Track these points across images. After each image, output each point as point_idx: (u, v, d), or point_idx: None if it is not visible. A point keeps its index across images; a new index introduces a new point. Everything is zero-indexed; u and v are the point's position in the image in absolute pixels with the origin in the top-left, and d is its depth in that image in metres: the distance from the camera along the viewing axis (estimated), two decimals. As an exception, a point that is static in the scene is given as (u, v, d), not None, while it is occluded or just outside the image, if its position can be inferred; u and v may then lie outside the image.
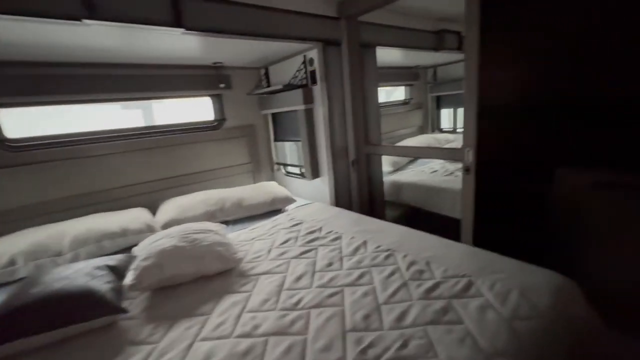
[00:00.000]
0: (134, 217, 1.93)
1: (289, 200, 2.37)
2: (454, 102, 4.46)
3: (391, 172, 3.15)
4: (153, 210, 2.20)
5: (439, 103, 4.65)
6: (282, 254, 1.58)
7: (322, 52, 2.19)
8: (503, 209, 2.16)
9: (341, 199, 2.48)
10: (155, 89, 2.31)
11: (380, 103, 4.28)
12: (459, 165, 2.51)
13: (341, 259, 1.48)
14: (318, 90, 2.31)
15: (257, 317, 1.10)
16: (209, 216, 2.07)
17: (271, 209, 2.31)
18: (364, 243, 1.60)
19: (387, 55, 3.17)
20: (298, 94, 2.35)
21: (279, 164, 2.99)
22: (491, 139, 2.21)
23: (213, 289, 1.31)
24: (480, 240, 1.82)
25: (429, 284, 1.19)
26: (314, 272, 1.38)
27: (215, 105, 2.67)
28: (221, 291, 1.29)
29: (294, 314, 1.10)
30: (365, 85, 2.40)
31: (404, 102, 4.48)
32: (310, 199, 2.63)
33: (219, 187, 2.57)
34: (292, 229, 1.89)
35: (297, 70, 2.38)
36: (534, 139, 2.11)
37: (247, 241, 1.78)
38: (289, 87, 2.35)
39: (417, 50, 2.85)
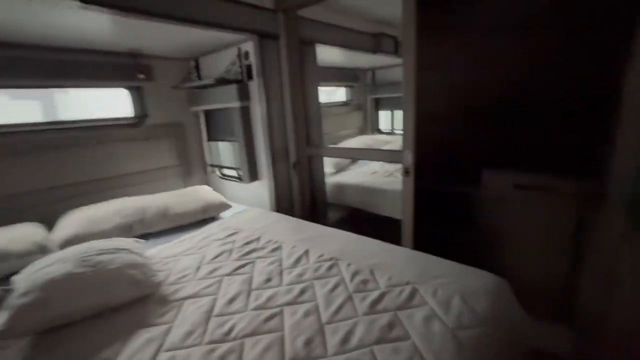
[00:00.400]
0: (19, 234, 1.53)
1: (223, 207, 2.15)
2: (391, 105, 4.63)
3: (333, 173, 3.10)
4: (51, 225, 1.78)
5: (378, 105, 4.79)
6: (214, 271, 1.38)
7: (259, 45, 2.02)
8: (440, 209, 2.25)
9: (282, 204, 2.34)
10: (56, 76, 1.89)
11: (322, 103, 4.26)
12: (398, 166, 2.57)
13: (281, 273, 1.34)
14: (255, 86, 2.13)
15: (177, 357, 0.91)
16: (125, 230, 1.76)
17: (203, 217, 2.06)
18: (306, 252, 1.49)
19: (327, 55, 3.11)
20: (232, 89, 2.15)
21: (213, 166, 2.73)
22: (428, 142, 2.28)
23: (122, 323, 1.06)
24: (420, 240, 1.85)
25: (374, 295, 1.12)
26: (249, 291, 1.22)
27: (134, 100, 2.30)
28: (132, 326, 1.05)
29: (224, 348, 0.93)
30: (306, 84, 2.29)
31: (345, 103, 4.51)
32: (248, 204, 2.43)
33: (140, 194, 2.22)
34: (226, 240, 1.69)
35: (231, 64, 2.17)
36: (464, 141, 2.24)
37: (172, 258, 1.54)
38: (221, 81, 2.13)
39: (356, 52, 2.84)
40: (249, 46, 2.07)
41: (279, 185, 2.30)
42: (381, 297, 1.11)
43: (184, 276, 1.35)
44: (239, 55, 2.13)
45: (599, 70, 1.65)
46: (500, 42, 1.93)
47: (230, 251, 1.56)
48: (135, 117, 2.30)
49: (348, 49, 2.69)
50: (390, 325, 0.98)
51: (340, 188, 2.79)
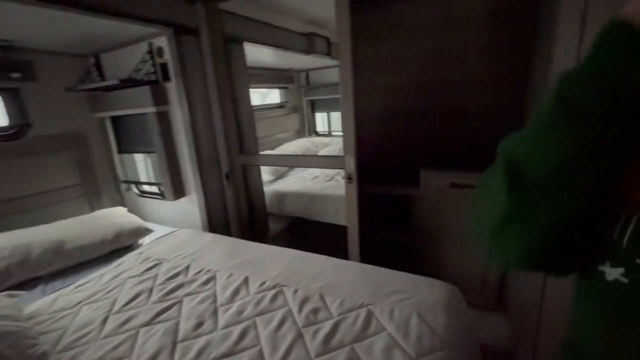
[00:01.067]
0: None
1: (142, 232, 1.80)
2: (327, 106, 4.60)
3: (272, 181, 2.91)
4: None
5: (314, 107, 4.73)
6: (126, 321, 1.09)
7: (175, 40, 1.73)
8: (385, 212, 2.24)
9: (215, 221, 2.07)
10: None
11: (255, 106, 4.02)
12: (339, 169, 2.50)
13: (215, 312, 1.12)
14: (173, 88, 1.83)
15: None
16: (1, 277, 1.33)
17: (115, 247, 1.69)
18: (245, 281, 1.29)
19: (258, 54, 2.91)
20: (145, 92, 1.81)
21: (128, 182, 2.31)
22: (370, 145, 2.26)
23: None
24: (367, 246, 1.79)
25: (327, 327, 0.98)
26: (174, 345, 0.97)
27: (9, 105, 1.80)
28: None
29: None
30: (235, 86, 2.06)
31: (280, 106, 4.34)
32: (175, 225, 2.10)
33: (29, 225, 1.73)
34: (145, 275, 1.39)
35: (141, 62, 1.83)
36: (404, 142, 2.26)
37: (68, 310, 1.19)
38: (130, 82, 1.78)
39: (288, 52, 2.70)
40: (163, 41, 1.76)
41: (211, 200, 2.03)
42: (335, 328, 0.98)
43: (83, 335, 1.04)
44: (150, 52, 1.81)
45: (518, 69, 1.78)
46: (429, 41, 1.97)
47: (150, 290, 1.27)
48: (11, 127, 1.80)
49: (279, 49, 2.53)
50: (349, 365, 0.85)
51: (281, 197, 2.62)
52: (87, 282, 1.37)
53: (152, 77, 1.85)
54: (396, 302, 1.07)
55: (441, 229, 1.82)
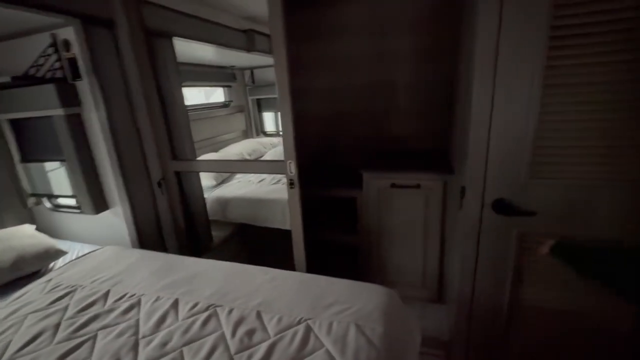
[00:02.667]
0: None
1: (52, 255, 1.55)
2: (274, 106, 4.48)
3: (214, 186, 2.74)
4: None
5: (260, 106, 4.57)
6: (20, 370, 0.91)
7: (84, 33, 1.50)
8: (331, 215, 2.22)
9: (147, 235, 1.87)
10: None
11: (198, 105, 3.75)
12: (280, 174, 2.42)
13: (136, 347, 0.98)
14: (86, 87, 1.60)
15: None
16: None
17: (14, 276, 1.43)
18: (175, 305, 1.16)
19: (194, 50, 2.71)
20: (50, 92, 1.56)
21: (37, 195, 1.99)
22: (311, 148, 2.22)
23: None
24: (313, 251, 1.76)
25: (262, 350, 0.92)
26: (80, 394, 0.83)
27: None
28: None
29: None
30: (164, 85, 1.87)
31: (224, 105, 4.12)
32: (99, 242, 1.86)
33: None
34: (51, 308, 1.18)
35: (42, 56, 1.57)
36: (345, 146, 2.27)
37: (-59, 363, 0.96)
38: (27, 80, 1.50)
39: (225, 49, 2.54)
40: (69, 33, 1.52)
41: (140, 212, 1.82)
42: (271, 350, 0.92)
43: (-43, 396, 0.84)
44: (54, 45, 1.55)
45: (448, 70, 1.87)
46: (365, 43, 1.99)
47: (57, 326, 1.08)
48: None
49: (215, 45, 2.36)
50: (283, 391, 0.79)
51: (224, 203, 2.47)
52: (-28, 324, 1.13)
53: (58, 74, 1.59)
54: (335, 314, 1.04)
55: (384, 229, 1.86)
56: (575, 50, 0.93)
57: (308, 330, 0.98)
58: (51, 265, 1.59)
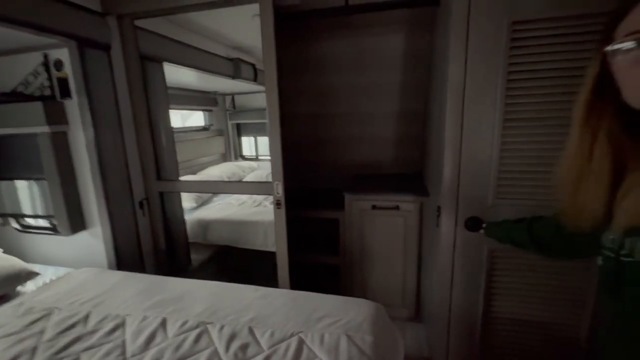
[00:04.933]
0: None
1: (22, 277, 1.47)
2: (254, 130, 4.58)
3: (194, 208, 2.72)
4: None
5: (240, 130, 4.65)
6: (-4, 396, 0.86)
7: (78, 54, 1.54)
8: (314, 237, 2.28)
9: (126, 257, 1.82)
10: None
11: (177, 128, 3.76)
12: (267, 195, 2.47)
13: (124, 366, 0.96)
14: (74, 107, 1.61)
15: None
16: None
17: (-19, 300, 1.34)
18: (163, 324, 1.15)
19: (178, 75, 2.78)
20: (37, 109, 1.55)
21: (4, 215, 1.88)
22: (296, 169, 2.31)
23: None
24: (297, 272, 1.79)
25: (256, 363, 0.94)
26: (68, 415, 0.80)
27: None
28: None
29: None
30: (153, 107, 1.91)
31: (204, 128, 4.15)
32: (72, 265, 1.78)
33: None
34: (26, 332, 1.12)
35: (32, 74, 1.57)
36: (326, 170, 2.38)
37: None
38: (14, 96, 1.50)
39: (213, 75, 2.65)
40: (63, 54, 1.55)
41: (120, 232, 1.78)
42: (265, 363, 0.94)
43: None
44: (45, 64, 1.57)
45: (422, 105, 2.08)
46: (345, 76, 2.18)
47: (34, 350, 1.03)
48: None
49: (204, 72, 2.46)
50: (280, 401, 0.82)
51: (205, 225, 2.45)
52: None
53: (47, 92, 1.59)
54: (326, 326, 1.09)
55: (365, 249, 1.94)
56: (527, 91, 1.12)
57: (301, 342, 1.02)
58: (19, 289, 1.50)
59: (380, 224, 1.88)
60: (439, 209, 1.37)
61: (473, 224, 1.22)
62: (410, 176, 2.15)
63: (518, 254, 1.24)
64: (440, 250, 1.35)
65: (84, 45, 1.55)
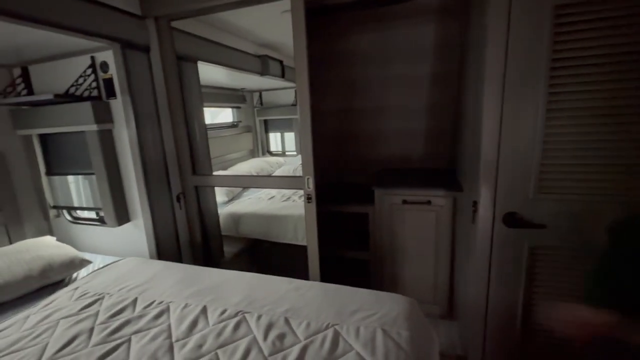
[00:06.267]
0: None
1: (77, 264, 1.60)
2: (280, 126, 4.64)
3: (226, 202, 2.81)
4: None
5: (267, 127, 4.73)
6: (61, 370, 0.95)
7: (122, 55, 1.63)
8: (344, 231, 2.29)
9: (165, 247, 1.92)
10: None
11: (207, 125, 3.89)
12: (295, 189, 2.51)
13: (171, 349, 1.02)
14: (119, 105, 1.71)
15: None
16: None
17: (43, 284, 1.48)
18: (204, 311, 1.21)
19: (210, 74, 2.87)
20: (87, 109, 1.66)
21: (58, 207, 2.05)
22: (325, 165, 2.33)
23: None
24: (327, 266, 1.81)
25: (295, 353, 0.96)
26: (124, 391, 0.87)
27: None
28: None
29: None
30: (188, 105, 1.99)
31: (233, 125, 4.26)
32: (118, 254, 1.91)
33: None
34: (82, 314, 1.22)
35: (82, 76, 1.69)
36: (355, 165, 2.38)
37: (-20, 365, 0.99)
38: (67, 97, 1.62)
39: (242, 72, 2.71)
40: (108, 56, 1.65)
41: (160, 224, 1.89)
42: (303, 352, 0.96)
43: (3, 394, 0.87)
44: (92, 66, 1.68)
45: (454, 95, 2.01)
46: (374, 69, 2.15)
47: (90, 331, 1.12)
48: None
49: (234, 69, 2.53)
50: (319, 389, 0.84)
51: (237, 218, 2.53)
52: (7, 328, 1.16)
53: (94, 93, 1.71)
54: (360, 320, 1.09)
55: (395, 244, 1.92)
56: (574, 79, 1.06)
57: (336, 334, 1.04)
58: (75, 275, 1.63)
59: (411, 219, 1.86)
60: (475, 203, 1.33)
61: (512, 220, 1.17)
62: (441, 171, 2.10)
63: (563, 251, 1.18)
64: (476, 246, 1.31)
65: (126, 47, 1.64)
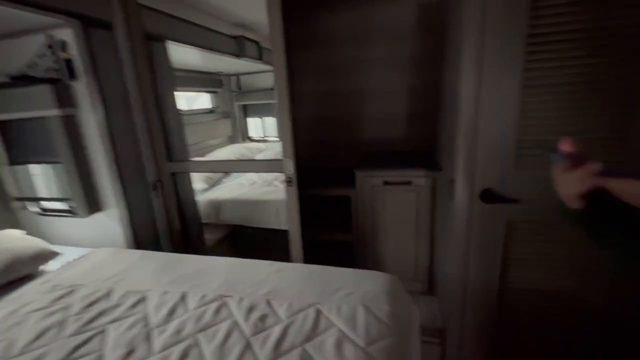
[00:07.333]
0: None
1: (46, 256, 1.52)
2: (260, 111, 4.54)
3: (205, 189, 2.74)
4: None
5: (246, 112, 4.61)
6: (32, 364, 0.90)
7: (83, 34, 1.51)
8: (326, 214, 2.28)
9: (143, 237, 1.86)
10: None
11: (183, 111, 3.74)
12: (277, 174, 2.47)
13: (149, 336, 1.00)
14: (83, 88, 1.60)
15: None
16: None
17: (9, 279, 1.40)
18: (183, 297, 1.18)
19: (183, 55, 2.73)
20: (45, 92, 1.55)
21: (23, 199, 1.93)
22: (306, 150, 2.29)
23: None
24: (310, 249, 1.81)
25: (277, 332, 0.96)
26: (100, 381, 0.84)
27: None
28: None
29: None
30: (159, 87, 1.89)
31: (210, 111, 4.13)
32: (92, 245, 1.83)
33: None
34: (54, 306, 1.17)
35: (38, 56, 1.56)
36: (335, 148, 2.36)
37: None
38: (22, 80, 1.49)
39: (217, 54, 2.59)
40: (67, 34, 1.53)
41: (136, 213, 1.82)
42: (285, 332, 0.96)
43: (-32, 392, 0.82)
44: (50, 46, 1.55)
45: (434, 78, 2.01)
46: (353, 52, 2.11)
47: (63, 323, 1.08)
48: None
49: (207, 50, 2.41)
50: (301, 366, 0.84)
51: (217, 205, 2.48)
52: (-31, 326, 1.10)
53: (53, 75, 1.59)
54: (342, 298, 1.10)
55: (378, 225, 1.94)
56: (549, 55, 1.07)
57: (318, 313, 1.04)
58: (42, 268, 1.55)
59: (392, 200, 1.87)
60: (452, 181, 1.35)
61: (488, 196, 1.19)
62: (422, 152, 2.11)
63: (536, 225, 1.22)
64: (454, 223, 1.33)
65: (87, 25, 1.52)
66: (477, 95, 1.17)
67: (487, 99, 1.16)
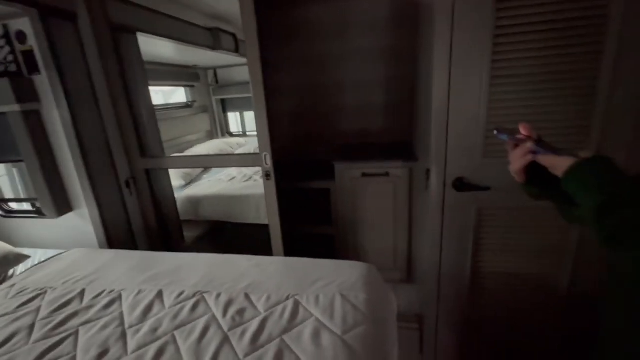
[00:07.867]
0: None
1: (12, 260, 1.45)
2: (239, 106, 4.46)
3: (183, 186, 2.68)
4: None
5: (225, 106, 4.52)
6: (-3, 371, 0.87)
7: (41, 24, 1.43)
8: (307, 208, 2.29)
9: (117, 236, 1.80)
10: None
11: (158, 105, 3.62)
12: (257, 169, 2.45)
13: (123, 336, 0.97)
14: (45, 82, 1.52)
15: None
16: None
17: (-29, 285, 1.32)
18: (159, 295, 1.16)
19: (155, 48, 2.64)
20: (4, 86, 1.46)
21: (-15, 201, 1.82)
22: (285, 142, 2.28)
23: None
24: (291, 243, 1.81)
25: (255, 325, 0.96)
26: (71, 384, 0.82)
27: None
28: None
29: None
30: (130, 81, 1.82)
31: (187, 105, 4.02)
32: (62, 247, 1.75)
33: None
34: (20, 311, 1.12)
35: (-7, 48, 1.46)
36: (314, 141, 2.35)
37: None
38: (-23, 73, 1.40)
39: (191, 46, 2.52)
40: (25, 25, 1.44)
41: (108, 212, 1.75)
42: (263, 324, 0.96)
43: None
44: (5, 37, 1.46)
45: (410, 70, 2.04)
46: (330, 44, 2.10)
47: (31, 327, 1.03)
48: None
49: (180, 43, 2.34)
50: (279, 356, 0.85)
51: (196, 202, 2.43)
52: None
53: (11, 68, 1.49)
54: (320, 288, 1.11)
55: (357, 217, 1.96)
56: (514, 47, 1.10)
57: (296, 304, 1.05)
58: (10, 273, 1.48)
59: (370, 191, 1.90)
60: (427, 171, 1.38)
61: (460, 185, 1.23)
62: (399, 144, 2.14)
63: (504, 211, 1.27)
64: (430, 211, 1.37)
65: (46, 15, 1.44)
66: (448, 87, 1.20)
67: (457, 90, 1.19)
